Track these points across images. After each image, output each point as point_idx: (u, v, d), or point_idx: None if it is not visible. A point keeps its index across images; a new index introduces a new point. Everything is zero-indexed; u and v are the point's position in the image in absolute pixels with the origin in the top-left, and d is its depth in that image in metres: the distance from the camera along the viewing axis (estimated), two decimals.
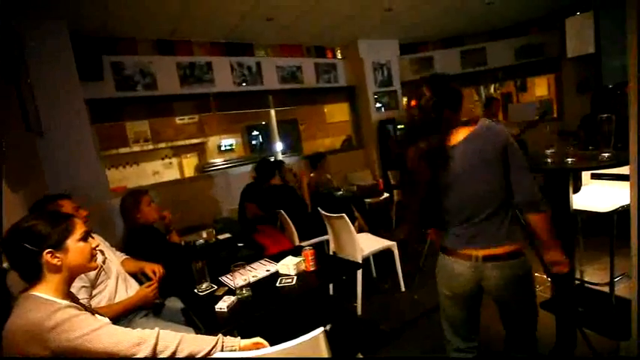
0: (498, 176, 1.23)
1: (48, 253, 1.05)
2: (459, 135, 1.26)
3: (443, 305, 1.46)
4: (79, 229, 1.14)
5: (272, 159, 4.66)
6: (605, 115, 1.56)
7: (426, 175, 1.26)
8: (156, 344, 1.04)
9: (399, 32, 5.18)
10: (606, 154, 1.60)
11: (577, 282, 2.23)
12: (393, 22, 4.51)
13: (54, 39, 2.96)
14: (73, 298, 1.17)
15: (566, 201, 1.79)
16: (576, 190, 2.08)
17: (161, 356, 1.04)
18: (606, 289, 2.23)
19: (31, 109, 2.59)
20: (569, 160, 1.69)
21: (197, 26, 3.79)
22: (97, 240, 1.25)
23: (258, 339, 1.18)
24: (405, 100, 5.55)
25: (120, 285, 1.83)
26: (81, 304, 1.17)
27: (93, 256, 1.18)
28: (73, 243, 1.11)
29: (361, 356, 2.13)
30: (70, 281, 1.15)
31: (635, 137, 1.09)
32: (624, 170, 1.89)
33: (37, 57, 2.85)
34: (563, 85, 5.48)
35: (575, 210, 1.92)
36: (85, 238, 1.15)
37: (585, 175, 2.31)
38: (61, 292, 1.09)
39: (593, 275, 2.56)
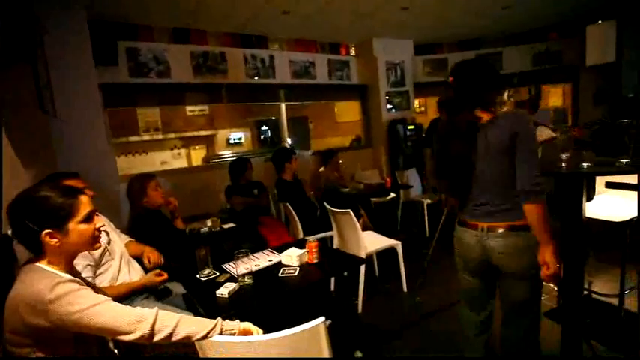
0: (508, 162, 1.31)
1: (47, 234, 1.04)
2: (486, 116, 1.36)
3: (460, 279, 1.57)
4: (83, 210, 1.10)
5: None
6: (627, 121, 1.52)
7: (456, 148, 1.37)
8: (154, 323, 1.03)
9: (415, 32, 5.13)
10: (624, 161, 1.55)
11: (585, 292, 2.17)
12: (409, 21, 4.47)
13: (72, 23, 2.97)
14: (75, 273, 1.17)
15: (579, 209, 1.74)
16: (589, 199, 2.02)
17: (158, 335, 1.03)
18: (615, 300, 2.18)
19: (45, 89, 2.61)
20: (585, 165, 1.64)
21: (213, 16, 3.79)
22: (101, 220, 1.21)
23: (252, 326, 1.15)
24: (417, 101, 5.50)
25: (123, 266, 1.84)
26: (83, 279, 1.17)
27: (95, 238, 1.15)
28: (74, 225, 1.08)
29: (360, 354, 2.11)
30: (71, 258, 1.14)
31: None
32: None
33: (55, 39, 2.85)
34: (579, 93, 5.38)
35: (588, 219, 1.87)
36: (88, 220, 1.11)
37: (599, 185, 2.25)
38: (64, 267, 1.09)
39: (602, 287, 2.49)
